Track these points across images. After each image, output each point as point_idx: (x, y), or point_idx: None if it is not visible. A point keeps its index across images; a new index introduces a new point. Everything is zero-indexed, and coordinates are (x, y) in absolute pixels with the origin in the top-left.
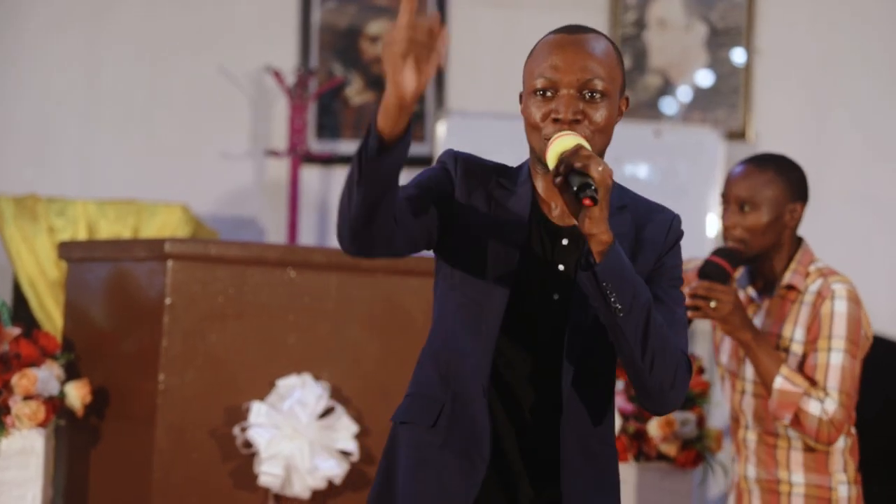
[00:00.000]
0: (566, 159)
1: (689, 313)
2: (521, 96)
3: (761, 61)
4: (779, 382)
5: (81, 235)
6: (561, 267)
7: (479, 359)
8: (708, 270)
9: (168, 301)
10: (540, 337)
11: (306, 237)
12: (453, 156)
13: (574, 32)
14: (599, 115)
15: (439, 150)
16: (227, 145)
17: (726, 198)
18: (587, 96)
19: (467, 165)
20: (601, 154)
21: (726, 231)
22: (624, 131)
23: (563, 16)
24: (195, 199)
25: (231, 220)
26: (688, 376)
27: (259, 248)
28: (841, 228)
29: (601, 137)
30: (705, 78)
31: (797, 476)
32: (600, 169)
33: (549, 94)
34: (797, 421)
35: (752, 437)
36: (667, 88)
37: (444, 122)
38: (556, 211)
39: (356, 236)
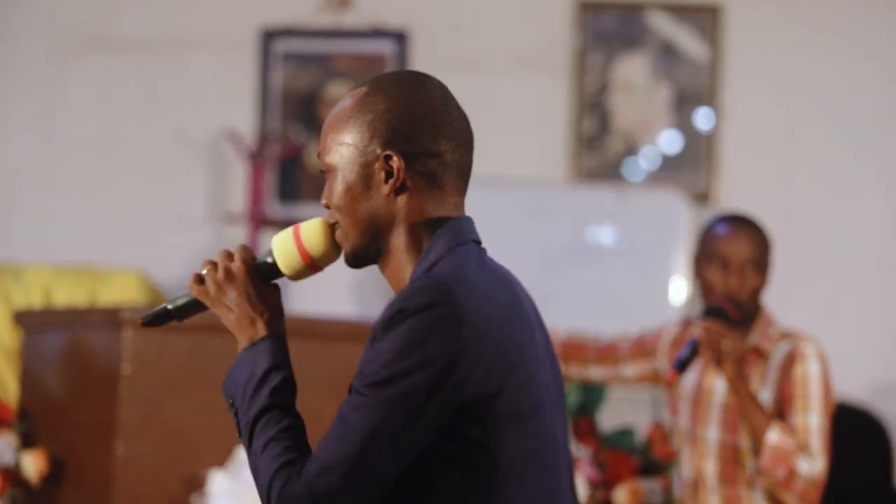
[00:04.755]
0: None
1: (702, 350)
2: None
3: (727, 124)
4: (773, 438)
5: (37, 301)
6: None
7: None
8: (716, 312)
9: (125, 369)
10: None
11: None
12: None
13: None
14: (330, 193)
15: None
16: (184, 209)
17: (726, 262)
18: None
19: None
20: (358, 236)
21: (726, 293)
22: (587, 195)
23: (523, 80)
24: (152, 263)
25: None
26: None
27: (216, 316)
28: (808, 293)
29: (342, 217)
30: (670, 141)
31: None
32: (207, 269)
33: None
34: (787, 478)
35: (714, 501)
36: (631, 151)
37: None
38: None
39: None
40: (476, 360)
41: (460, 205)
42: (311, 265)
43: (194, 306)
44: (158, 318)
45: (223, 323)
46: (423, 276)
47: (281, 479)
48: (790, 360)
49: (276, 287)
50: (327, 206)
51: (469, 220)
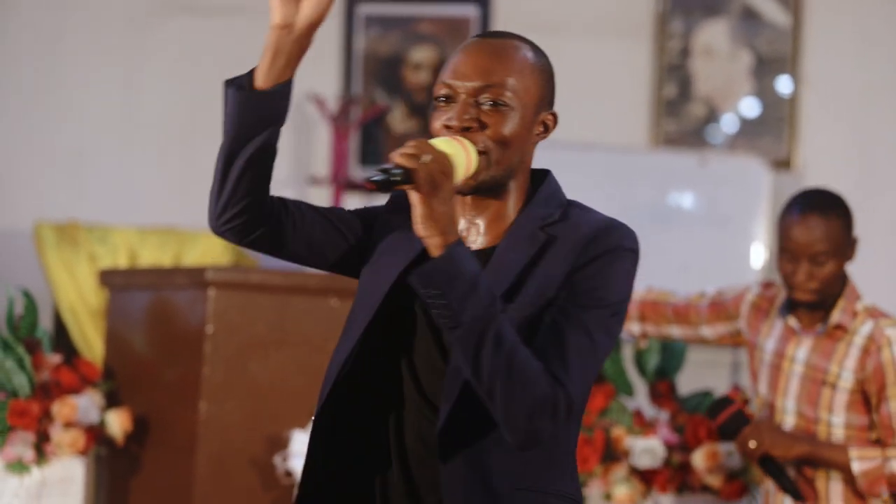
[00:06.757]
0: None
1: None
2: None
3: (807, 90)
4: (857, 467)
5: (122, 263)
6: None
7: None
8: (724, 430)
9: (209, 329)
10: (422, 375)
11: None
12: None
13: (490, 37)
14: (502, 125)
15: None
16: None
17: (795, 253)
18: (488, 104)
19: (395, 196)
20: (503, 168)
21: (798, 286)
22: (668, 160)
23: (604, 45)
24: None
25: None
26: (553, 414)
27: (300, 277)
28: (888, 261)
29: (502, 151)
30: (751, 106)
31: None
32: (428, 159)
33: (447, 101)
34: (893, 488)
35: (790, 470)
36: (712, 117)
37: None
38: None
39: (219, 199)
40: None
41: None
42: (465, 180)
43: (404, 183)
44: (384, 183)
45: (420, 212)
46: (611, 219)
47: (548, 378)
48: (873, 344)
49: None
50: (467, 128)
51: None
